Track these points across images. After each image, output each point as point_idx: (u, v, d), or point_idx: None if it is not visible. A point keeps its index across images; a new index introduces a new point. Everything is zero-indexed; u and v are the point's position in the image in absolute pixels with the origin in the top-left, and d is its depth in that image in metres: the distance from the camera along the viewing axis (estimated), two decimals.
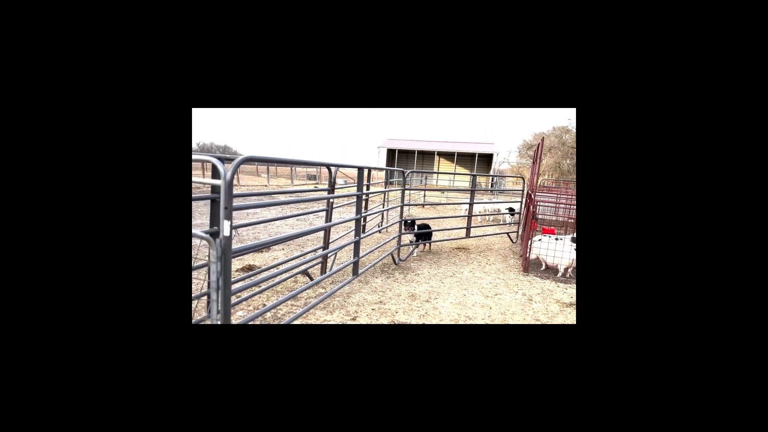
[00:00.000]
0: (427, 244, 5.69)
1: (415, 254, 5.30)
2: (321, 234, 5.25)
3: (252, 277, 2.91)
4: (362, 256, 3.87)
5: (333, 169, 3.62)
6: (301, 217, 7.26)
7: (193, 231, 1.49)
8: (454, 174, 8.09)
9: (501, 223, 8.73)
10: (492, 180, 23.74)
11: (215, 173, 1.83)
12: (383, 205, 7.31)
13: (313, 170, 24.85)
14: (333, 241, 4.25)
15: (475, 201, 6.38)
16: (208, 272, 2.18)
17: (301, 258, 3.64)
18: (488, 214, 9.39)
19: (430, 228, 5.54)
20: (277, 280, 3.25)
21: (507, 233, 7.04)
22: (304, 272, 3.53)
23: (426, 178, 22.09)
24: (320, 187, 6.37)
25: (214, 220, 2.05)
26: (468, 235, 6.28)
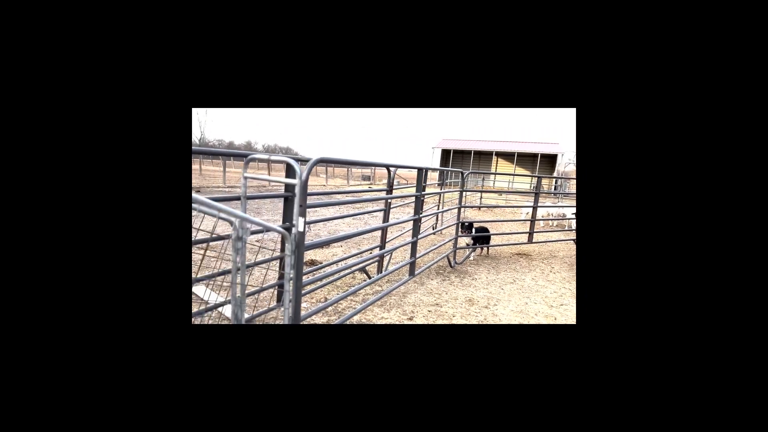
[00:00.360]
0: (485, 248, 5.49)
1: (471, 258, 5.15)
2: (376, 233, 5.37)
3: (315, 272, 3.07)
4: (418, 257, 3.87)
5: (392, 169, 3.68)
6: (357, 216, 7.49)
7: (272, 225, 1.62)
8: (514, 175, 7.67)
9: (566, 228, 8.08)
10: (556, 182, 22.06)
11: (290, 173, 1.97)
12: (438, 206, 7.22)
13: (367, 171, 25.45)
14: (388, 241, 4.31)
15: (538, 204, 6.00)
16: (280, 264, 2.36)
17: (359, 256, 3.75)
18: (552, 219, 8.76)
19: (488, 231, 5.34)
20: (336, 276, 3.39)
21: (573, 240, 6.50)
22: (362, 269, 3.63)
23: (483, 179, 21.29)
24: (374, 187, 6.49)
25: (287, 216, 2.21)
26: (530, 241, 5.93)
